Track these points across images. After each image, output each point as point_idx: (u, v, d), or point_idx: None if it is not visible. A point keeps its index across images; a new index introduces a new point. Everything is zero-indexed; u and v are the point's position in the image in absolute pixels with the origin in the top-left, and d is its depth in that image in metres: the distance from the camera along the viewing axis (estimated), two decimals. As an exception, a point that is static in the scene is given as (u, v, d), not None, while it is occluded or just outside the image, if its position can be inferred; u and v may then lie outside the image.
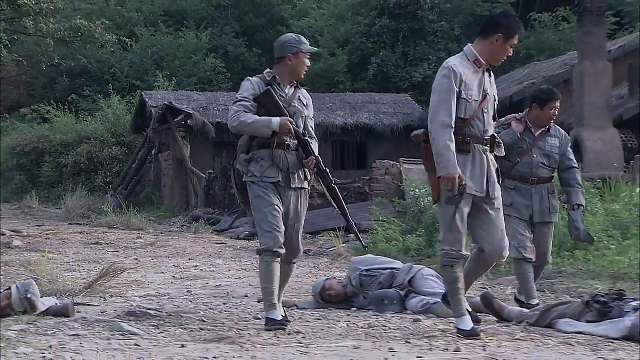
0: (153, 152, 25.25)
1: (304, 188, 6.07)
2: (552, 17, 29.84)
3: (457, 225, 5.49)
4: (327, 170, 6.09)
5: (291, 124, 5.87)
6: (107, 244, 14.63)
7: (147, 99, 25.37)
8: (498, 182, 5.68)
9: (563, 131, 7.21)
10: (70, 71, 34.15)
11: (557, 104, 6.98)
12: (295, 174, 5.96)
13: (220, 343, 4.88)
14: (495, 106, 5.76)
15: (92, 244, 14.57)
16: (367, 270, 6.82)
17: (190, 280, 9.61)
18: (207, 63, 33.65)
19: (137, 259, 12.19)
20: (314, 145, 6.06)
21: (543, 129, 6.97)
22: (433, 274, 6.79)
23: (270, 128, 5.86)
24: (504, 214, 6.21)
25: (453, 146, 5.42)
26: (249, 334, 5.40)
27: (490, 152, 5.68)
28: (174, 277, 9.94)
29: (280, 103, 5.94)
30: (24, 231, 16.37)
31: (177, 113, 23.72)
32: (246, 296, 7.88)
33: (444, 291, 6.67)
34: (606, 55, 17.95)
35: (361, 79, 30.84)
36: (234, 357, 4.44)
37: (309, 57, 6.15)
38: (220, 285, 9.04)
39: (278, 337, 5.27)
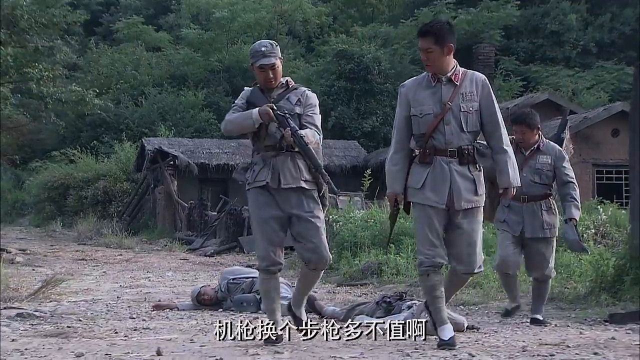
0: (151, 186, 25.36)
1: (304, 188, 4.89)
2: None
3: (425, 234, 4.65)
4: (303, 136, 4.84)
5: (272, 109, 4.81)
6: (92, 260, 14.65)
7: (146, 144, 25.49)
8: (474, 194, 4.69)
9: (557, 147, 6.26)
10: (93, 122, 34.30)
11: (520, 127, 6.06)
12: (286, 173, 4.85)
13: (57, 337, 4.72)
14: (467, 116, 4.71)
15: (80, 260, 14.58)
16: (233, 278, 6.89)
17: (131, 288, 9.59)
18: (202, 116, 33.81)
19: (105, 271, 12.22)
20: (310, 133, 4.90)
21: (532, 148, 6.10)
22: (284, 281, 6.85)
23: (252, 118, 4.84)
24: (498, 229, 5.82)
25: (397, 167, 4.78)
26: (97, 329, 5.25)
27: (463, 164, 4.68)
28: (120, 286, 9.92)
29: (266, 98, 4.94)
30: (28, 249, 16.41)
31: (167, 155, 23.90)
32: (159, 301, 7.87)
33: (289, 295, 6.68)
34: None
35: (323, 129, 30.95)
36: (44, 347, 4.33)
37: (263, 70, 4.95)
38: (149, 292, 8.97)
39: (115, 332, 5.10)
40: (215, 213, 20.04)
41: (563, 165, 6.08)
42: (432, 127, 4.71)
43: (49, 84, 17.91)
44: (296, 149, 4.89)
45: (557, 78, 29.55)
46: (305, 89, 5.12)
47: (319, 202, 4.98)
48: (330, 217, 13.53)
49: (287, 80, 5.12)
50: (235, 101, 5.15)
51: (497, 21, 31.28)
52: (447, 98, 4.74)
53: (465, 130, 4.71)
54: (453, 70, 4.81)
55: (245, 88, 5.23)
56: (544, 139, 6.21)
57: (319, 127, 5.03)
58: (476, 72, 4.89)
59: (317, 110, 5.11)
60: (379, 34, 35.06)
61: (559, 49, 31.72)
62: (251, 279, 6.85)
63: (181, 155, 23.27)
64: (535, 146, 6.08)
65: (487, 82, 4.88)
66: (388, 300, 5.62)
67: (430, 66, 4.78)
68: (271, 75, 5.00)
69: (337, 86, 31.08)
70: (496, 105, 4.85)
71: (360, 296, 8.92)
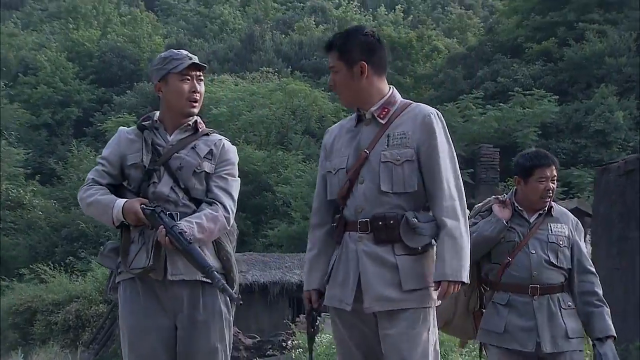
0: (122, 309, 25.62)
1: (205, 282, 3.75)
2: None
3: (339, 354, 3.73)
4: (184, 231, 3.64)
5: (146, 207, 3.73)
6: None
7: (118, 260, 25.84)
8: (398, 289, 3.52)
9: (571, 215, 4.72)
10: (70, 235, 34.97)
11: (549, 172, 4.56)
12: (176, 257, 3.70)
13: None
14: (392, 169, 3.58)
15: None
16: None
17: None
18: (194, 226, 34.27)
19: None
20: (200, 224, 3.72)
21: (541, 211, 4.60)
22: None
23: (111, 216, 3.75)
24: (490, 347, 4.49)
25: (313, 252, 3.83)
26: None
27: (381, 242, 3.54)
28: None
29: (151, 148, 3.86)
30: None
31: (137, 273, 24.23)
32: None
33: None
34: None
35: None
36: None
37: (189, 78, 3.88)
38: None
39: None
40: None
41: (582, 243, 4.61)
42: (343, 189, 3.67)
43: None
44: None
45: (603, 183, 29.64)
46: (222, 137, 4.04)
47: (227, 308, 3.88)
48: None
49: (196, 121, 3.97)
50: (103, 152, 3.99)
51: (533, 118, 31.48)
52: (366, 144, 3.66)
53: (385, 189, 3.58)
54: (381, 103, 3.71)
55: (121, 128, 4.06)
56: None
57: (234, 195, 3.94)
58: (423, 105, 3.77)
59: (235, 170, 4.00)
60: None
61: (605, 151, 31.77)
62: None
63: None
64: (547, 208, 4.61)
65: (436, 119, 3.67)
66: None
67: (339, 95, 3.80)
68: (198, 88, 3.90)
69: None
70: (443, 155, 3.63)
71: None
